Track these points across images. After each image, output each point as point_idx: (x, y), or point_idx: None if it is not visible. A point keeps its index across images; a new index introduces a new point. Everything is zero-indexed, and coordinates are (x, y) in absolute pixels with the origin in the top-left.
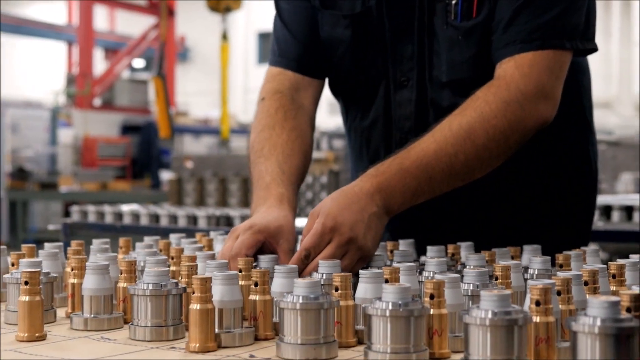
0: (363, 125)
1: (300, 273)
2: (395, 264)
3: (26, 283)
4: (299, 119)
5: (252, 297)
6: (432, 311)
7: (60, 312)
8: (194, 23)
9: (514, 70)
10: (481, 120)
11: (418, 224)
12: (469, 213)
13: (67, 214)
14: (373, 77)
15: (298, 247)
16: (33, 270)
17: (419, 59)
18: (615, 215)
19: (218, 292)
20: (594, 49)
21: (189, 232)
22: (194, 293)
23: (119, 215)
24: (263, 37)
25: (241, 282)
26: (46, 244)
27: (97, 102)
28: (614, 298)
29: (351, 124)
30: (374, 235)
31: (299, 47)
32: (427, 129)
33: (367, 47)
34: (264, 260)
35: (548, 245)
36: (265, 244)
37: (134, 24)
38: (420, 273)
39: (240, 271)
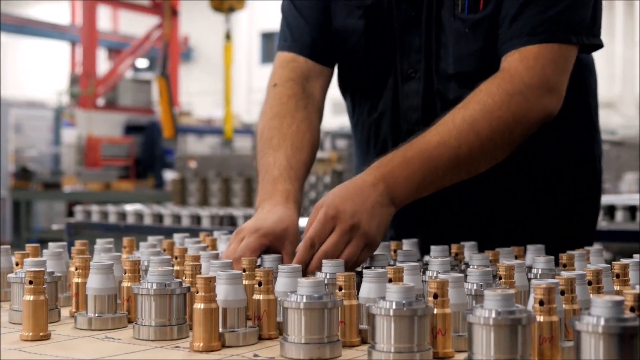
0: (371, 118)
1: (307, 264)
2: (398, 264)
3: (30, 282)
4: (309, 110)
5: (256, 296)
6: (435, 311)
7: (65, 312)
8: (197, 23)
9: (518, 63)
10: (484, 113)
11: (422, 221)
12: (473, 211)
13: (70, 213)
14: (383, 69)
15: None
16: (37, 269)
17: (427, 51)
18: (619, 215)
19: (222, 291)
20: (600, 45)
21: (193, 232)
22: (198, 292)
23: (123, 215)
24: (266, 37)
25: (245, 282)
26: (50, 244)
27: (100, 102)
28: (617, 298)
29: (358, 118)
30: (379, 223)
31: (312, 33)
32: (434, 121)
33: (379, 38)
34: (268, 259)
35: (552, 244)
36: (269, 247)
37: (138, 24)
38: (424, 273)
39: (244, 271)
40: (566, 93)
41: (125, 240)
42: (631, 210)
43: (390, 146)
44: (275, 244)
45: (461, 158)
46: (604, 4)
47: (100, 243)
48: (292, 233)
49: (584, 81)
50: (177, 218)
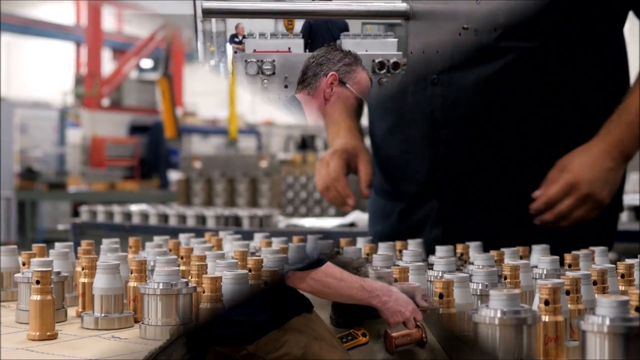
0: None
1: (541, 216)
2: (404, 264)
3: (38, 282)
4: None
5: None
6: (441, 311)
7: (71, 311)
8: None
9: None
10: None
11: (433, 220)
12: (488, 211)
13: (75, 214)
14: None
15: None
16: (44, 269)
17: None
18: (624, 216)
19: (228, 291)
20: None
21: (198, 232)
22: (204, 292)
23: (128, 215)
24: None
25: (251, 282)
26: (57, 244)
27: (105, 102)
28: (622, 297)
29: None
30: (611, 189)
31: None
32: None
33: None
34: (272, 259)
35: (572, 245)
36: (349, 163)
37: (142, 25)
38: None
39: (250, 271)
40: (604, 96)
41: (131, 240)
42: (636, 210)
43: (410, 92)
44: (352, 158)
45: None
46: None
47: (106, 243)
48: (363, 149)
49: (623, 80)
50: (182, 218)
